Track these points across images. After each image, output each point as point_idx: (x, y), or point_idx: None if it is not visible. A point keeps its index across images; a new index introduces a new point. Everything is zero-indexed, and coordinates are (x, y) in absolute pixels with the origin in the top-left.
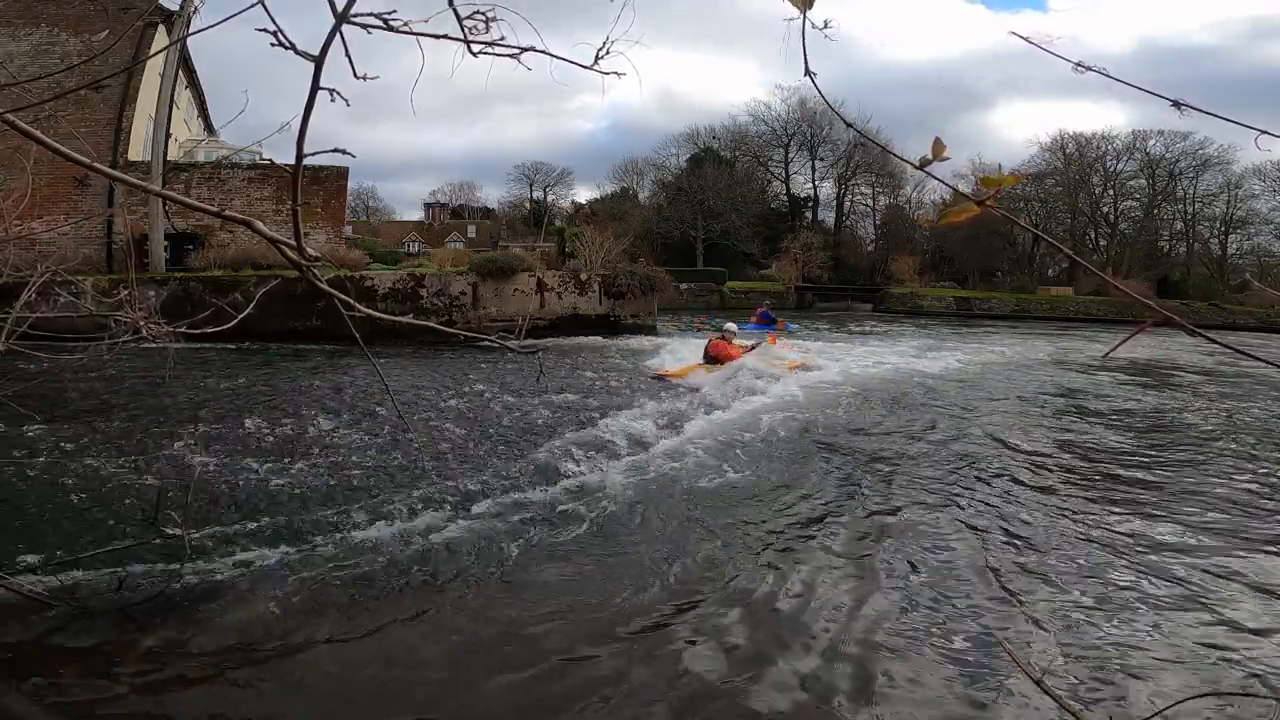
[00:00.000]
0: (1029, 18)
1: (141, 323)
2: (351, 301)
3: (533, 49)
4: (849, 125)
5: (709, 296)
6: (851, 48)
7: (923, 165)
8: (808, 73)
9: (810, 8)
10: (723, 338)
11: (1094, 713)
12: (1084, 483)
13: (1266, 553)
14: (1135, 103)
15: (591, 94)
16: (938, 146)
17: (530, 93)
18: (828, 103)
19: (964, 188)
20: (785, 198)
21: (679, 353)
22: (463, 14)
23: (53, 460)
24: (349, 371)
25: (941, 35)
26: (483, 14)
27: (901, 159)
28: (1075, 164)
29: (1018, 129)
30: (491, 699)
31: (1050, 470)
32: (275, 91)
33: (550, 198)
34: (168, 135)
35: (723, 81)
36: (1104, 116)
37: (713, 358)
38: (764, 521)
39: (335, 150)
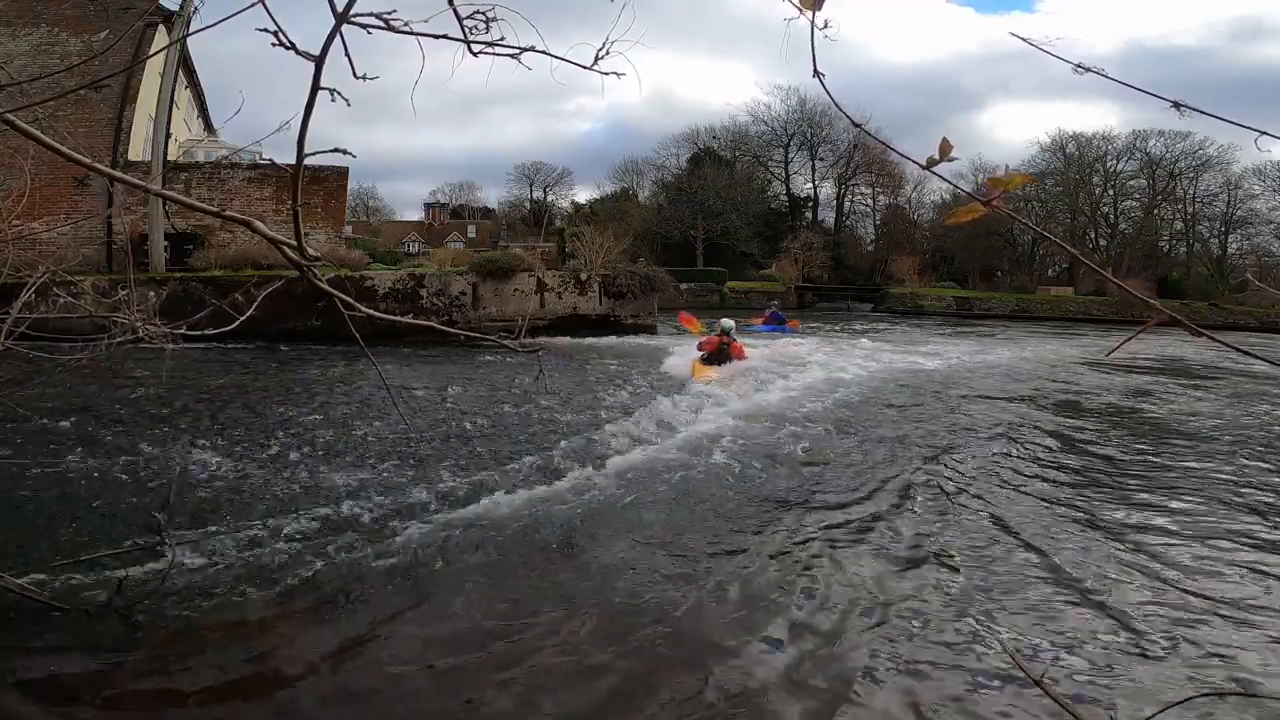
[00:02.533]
0: (1017, 19)
1: (140, 323)
2: (352, 301)
3: (533, 49)
4: (858, 127)
5: (709, 296)
6: (840, 49)
7: (930, 165)
8: (816, 74)
9: (819, 8)
10: (725, 333)
11: (1094, 713)
12: (1085, 482)
13: (1269, 553)
14: (1124, 103)
15: (588, 96)
16: (945, 146)
17: (526, 94)
18: (837, 105)
19: (964, 187)
20: (785, 198)
21: (685, 346)
22: (463, 14)
23: (53, 460)
24: (349, 371)
25: (930, 37)
26: (483, 14)
27: (910, 159)
28: (1075, 164)
29: (1007, 130)
30: (490, 700)
31: (1051, 469)
32: (275, 92)
33: (550, 198)
34: (168, 135)
35: (717, 84)
36: (1093, 117)
37: (718, 357)
38: (765, 519)
39: (335, 150)
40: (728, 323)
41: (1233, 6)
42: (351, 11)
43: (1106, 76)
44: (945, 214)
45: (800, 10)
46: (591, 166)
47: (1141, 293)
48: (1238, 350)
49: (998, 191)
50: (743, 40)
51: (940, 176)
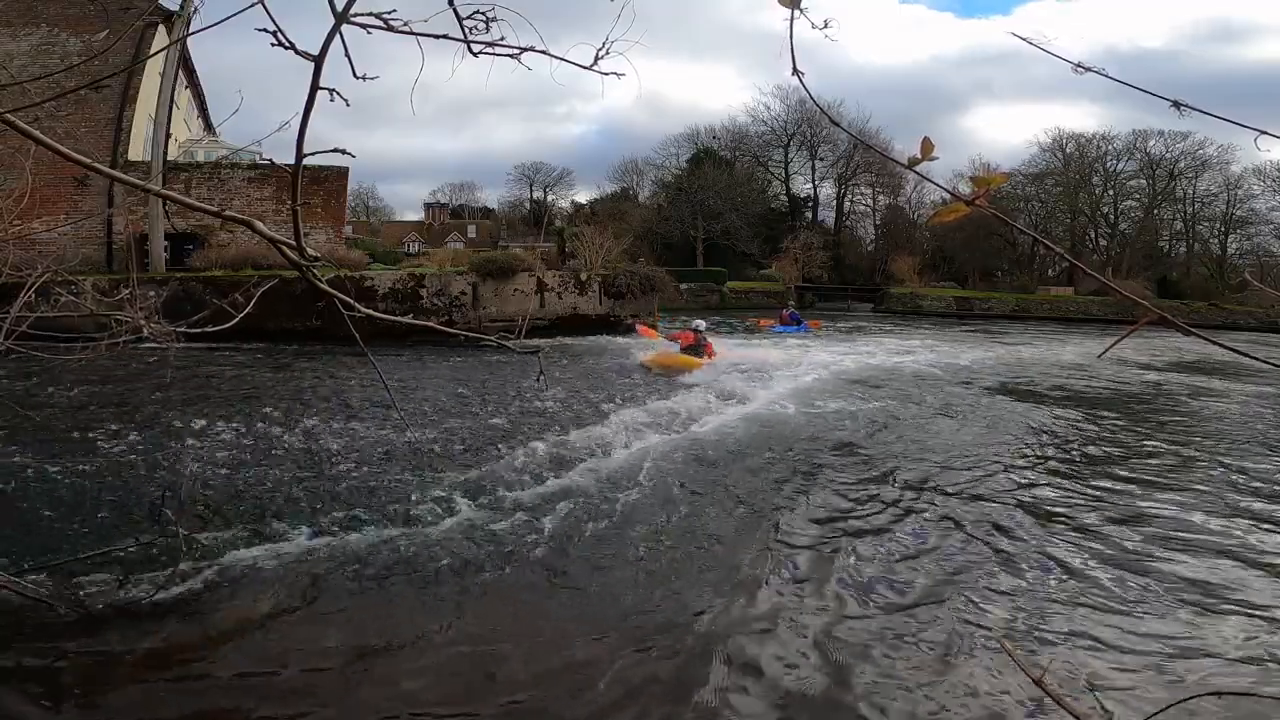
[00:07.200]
0: (1000, 23)
1: (142, 322)
2: (351, 301)
3: (532, 49)
4: (835, 124)
5: (709, 296)
6: (826, 52)
7: (912, 165)
8: (795, 72)
9: (799, 5)
10: (697, 331)
11: (1094, 713)
12: (1085, 481)
13: (1269, 552)
14: (1108, 105)
15: (580, 99)
16: (926, 146)
17: (518, 98)
18: (816, 103)
19: (964, 187)
20: (785, 198)
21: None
22: (463, 14)
23: (53, 460)
24: (349, 371)
25: (914, 40)
26: (483, 14)
27: (891, 159)
28: (1075, 164)
29: (992, 131)
30: (490, 699)
31: (1050, 468)
32: (275, 93)
33: (550, 198)
34: (168, 135)
35: (703, 87)
36: (1078, 119)
37: (694, 351)
38: (764, 520)
39: (335, 150)
40: (699, 322)
41: (1199, 9)
42: (351, 11)
43: (1107, 76)
44: (936, 213)
45: (790, 6)
46: (584, 169)
47: (1136, 293)
48: (1225, 348)
49: (979, 190)
50: (727, 44)
51: (920, 175)
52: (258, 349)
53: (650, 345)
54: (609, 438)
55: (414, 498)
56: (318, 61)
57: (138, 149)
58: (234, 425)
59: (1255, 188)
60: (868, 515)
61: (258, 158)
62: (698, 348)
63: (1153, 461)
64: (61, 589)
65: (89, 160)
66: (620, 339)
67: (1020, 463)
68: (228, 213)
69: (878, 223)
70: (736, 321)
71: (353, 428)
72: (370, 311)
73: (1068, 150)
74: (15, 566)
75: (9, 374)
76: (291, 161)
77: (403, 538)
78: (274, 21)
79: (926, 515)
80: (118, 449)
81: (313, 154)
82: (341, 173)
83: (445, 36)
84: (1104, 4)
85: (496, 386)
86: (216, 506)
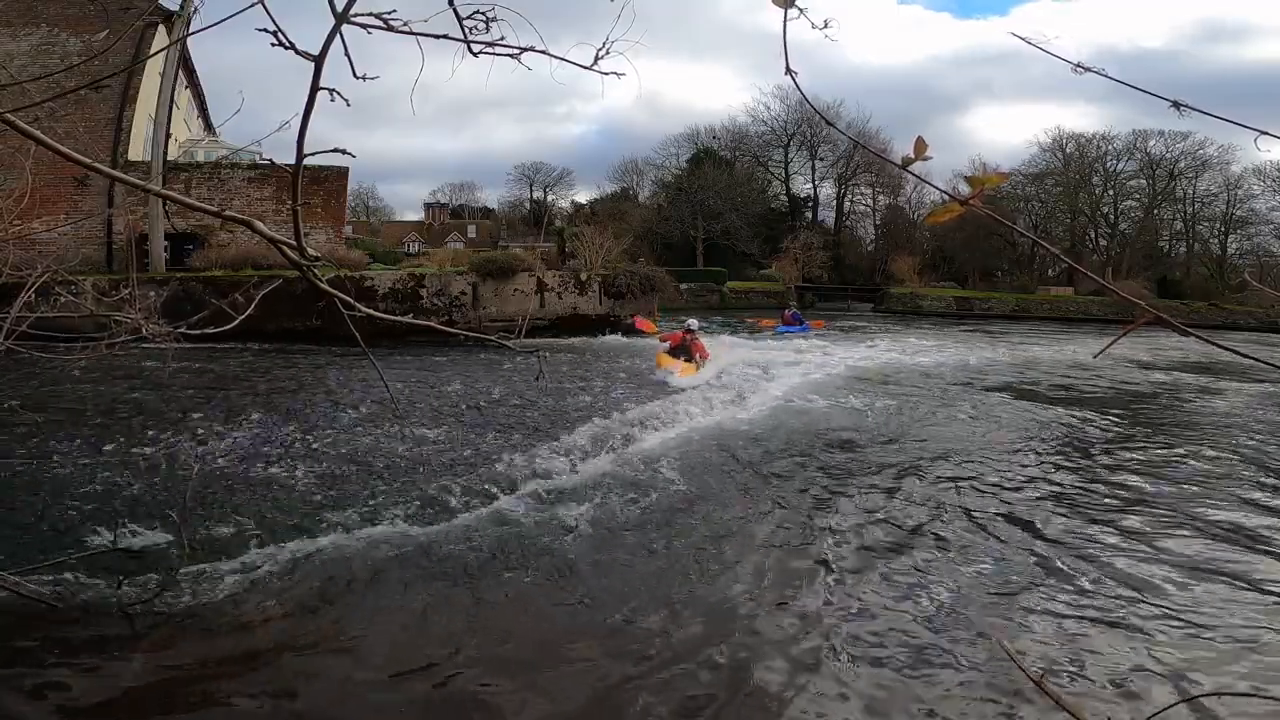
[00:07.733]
0: (998, 23)
1: (142, 323)
2: (352, 301)
3: (532, 49)
4: (830, 125)
5: (709, 296)
6: (825, 52)
7: (906, 165)
8: (788, 71)
9: (791, 4)
10: (689, 330)
11: (1094, 713)
12: (1085, 482)
13: (1269, 554)
14: (1108, 105)
15: (579, 99)
16: (920, 145)
17: (517, 98)
18: (808, 101)
19: (963, 188)
20: (785, 198)
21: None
22: (463, 14)
23: (53, 460)
24: (349, 372)
25: (913, 40)
26: (483, 14)
27: (886, 159)
28: (1075, 164)
29: (992, 131)
30: (490, 700)
31: (1051, 469)
32: (275, 93)
33: (550, 198)
34: (168, 135)
35: (701, 87)
36: (1078, 119)
37: (681, 351)
38: (765, 523)
39: (335, 150)
40: (692, 321)
41: (1199, 9)
42: (351, 11)
43: (1107, 76)
44: (932, 213)
45: (781, 6)
46: (584, 169)
47: (1135, 292)
48: (1221, 347)
49: (974, 191)
50: (726, 44)
51: (917, 176)
52: (258, 349)
53: (653, 341)
54: (607, 438)
55: (412, 499)
56: (318, 61)
57: (138, 149)
58: (233, 426)
59: (1255, 188)
60: (862, 519)
61: (258, 158)
62: (685, 348)
63: (1150, 464)
64: (61, 589)
65: (89, 160)
66: (622, 339)
67: (1030, 462)
68: (228, 213)
69: (878, 223)
70: (737, 322)
71: (352, 428)
72: (370, 311)
73: (1067, 150)
74: (15, 567)
75: (9, 374)
76: (291, 161)
77: (411, 539)
78: (274, 21)
79: (923, 520)
80: (119, 449)
81: (313, 154)
82: (341, 173)
83: (445, 36)
84: (1104, 4)
85: (498, 386)
86: (215, 506)
